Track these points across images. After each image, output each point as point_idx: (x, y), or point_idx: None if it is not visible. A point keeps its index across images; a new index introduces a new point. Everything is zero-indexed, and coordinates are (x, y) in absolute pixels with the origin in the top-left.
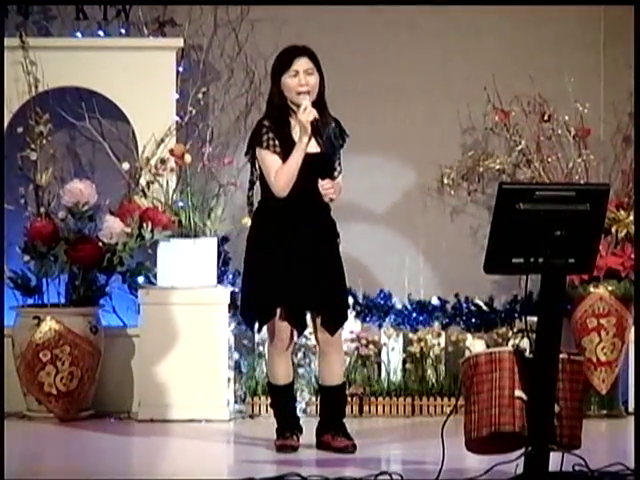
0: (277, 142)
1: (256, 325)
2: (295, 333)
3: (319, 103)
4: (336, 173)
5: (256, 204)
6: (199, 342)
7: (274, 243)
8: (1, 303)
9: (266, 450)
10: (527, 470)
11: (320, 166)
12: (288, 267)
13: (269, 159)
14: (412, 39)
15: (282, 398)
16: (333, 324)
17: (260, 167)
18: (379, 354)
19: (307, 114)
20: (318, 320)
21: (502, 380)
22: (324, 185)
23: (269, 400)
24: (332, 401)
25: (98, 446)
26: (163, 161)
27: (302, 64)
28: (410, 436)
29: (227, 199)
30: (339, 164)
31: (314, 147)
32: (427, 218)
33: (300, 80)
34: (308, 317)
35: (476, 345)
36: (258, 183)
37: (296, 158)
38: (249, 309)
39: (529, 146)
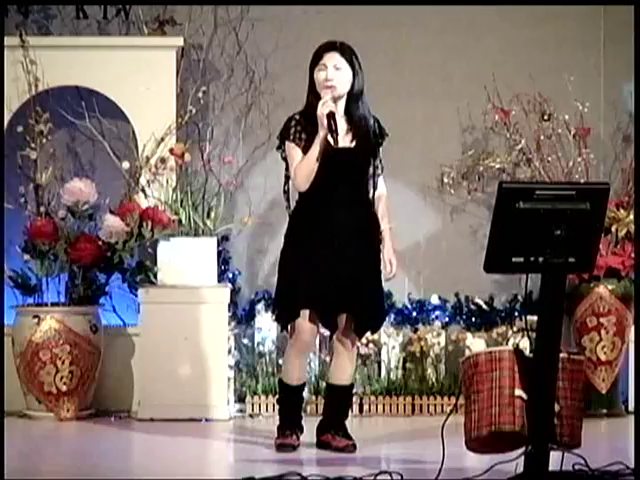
0: (304, 136)
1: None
2: (317, 335)
3: (352, 99)
4: (378, 171)
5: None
6: (199, 341)
7: (307, 242)
8: (1, 302)
9: (266, 449)
10: (527, 469)
11: (354, 162)
12: (320, 267)
13: (293, 153)
14: (412, 38)
15: (291, 398)
16: (364, 328)
17: None
18: (379, 353)
19: (323, 107)
20: (344, 320)
21: (502, 379)
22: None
23: (277, 395)
24: (338, 401)
25: (98, 445)
26: (163, 160)
27: (330, 58)
28: (410, 435)
29: (227, 198)
30: (380, 161)
31: (348, 142)
32: (427, 217)
33: (327, 74)
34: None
35: (476, 344)
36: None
37: (313, 152)
38: (277, 306)
39: (529, 145)
